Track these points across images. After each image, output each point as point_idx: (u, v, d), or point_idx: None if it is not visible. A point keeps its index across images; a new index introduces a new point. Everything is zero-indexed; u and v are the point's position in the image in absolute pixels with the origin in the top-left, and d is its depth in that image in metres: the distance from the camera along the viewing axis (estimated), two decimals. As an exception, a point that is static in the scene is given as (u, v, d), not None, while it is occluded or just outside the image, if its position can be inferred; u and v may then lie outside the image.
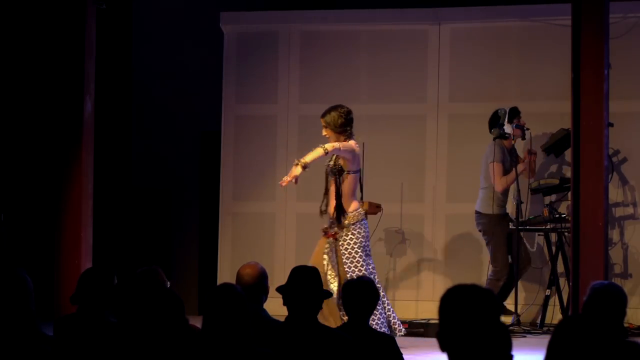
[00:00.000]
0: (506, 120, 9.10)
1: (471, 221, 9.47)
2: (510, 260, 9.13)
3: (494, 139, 9.18)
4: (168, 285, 5.28)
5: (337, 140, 7.58)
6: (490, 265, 9.14)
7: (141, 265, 5.48)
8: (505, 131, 9.11)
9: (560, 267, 9.32)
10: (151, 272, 5.26)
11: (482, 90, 10.00)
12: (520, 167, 9.21)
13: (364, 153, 9.41)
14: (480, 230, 9.25)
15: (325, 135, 7.61)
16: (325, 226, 7.64)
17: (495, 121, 9.19)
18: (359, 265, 7.48)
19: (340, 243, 7.53)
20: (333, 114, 7.61)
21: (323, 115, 7.63)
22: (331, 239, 7.56)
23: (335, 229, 7.56)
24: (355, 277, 7.15)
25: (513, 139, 9.15)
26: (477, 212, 9.24)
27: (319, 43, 10.42)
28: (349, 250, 7.51)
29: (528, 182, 9.42)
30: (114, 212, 10.54)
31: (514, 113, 9.18)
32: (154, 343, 4.37)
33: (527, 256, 9.29)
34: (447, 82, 10.13)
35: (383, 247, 10.07)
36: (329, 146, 7.48)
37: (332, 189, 7.60)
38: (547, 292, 9.27)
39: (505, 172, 9.14)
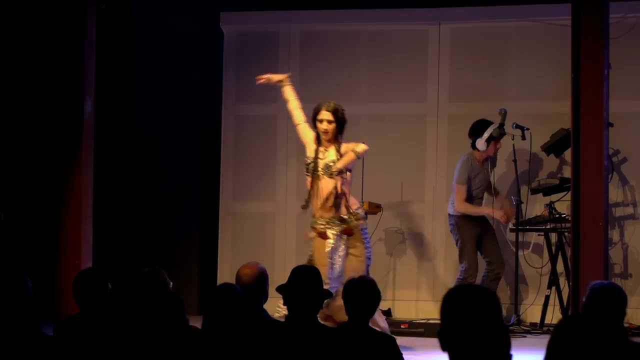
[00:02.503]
0: (485, 138, 9.17)
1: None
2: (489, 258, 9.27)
3: (494, 136, 9.21)
4: (170, 286, 5.28)
5: (335, 138, 7.51)
6: (459, 264, 9.23)
7: (141, 265, 5.49)
8: (477, 144, 9.18)
9: (560, 267, 9.32)
10: (153, 273, 5.26)
11: (482, 90, 10.00)
12: (496, 213, 9.24)
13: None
14: (451, 232, 9.37)
15: (326, 130, 7.50)
16: (318, 228, 7.55)
17: (481, 127, 9.23)
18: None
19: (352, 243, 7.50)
20: (342, 111, 7.52)
21: (333, 110, 7.48)
22: (344, 235, 7.51)
23: (347, 225, 7.51)
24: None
25: (483, 151, 9.20)
26: (449, 215, 9.35)
27: (319, 43, 10.41)
28: (362, 251, 7.53)
29: (528, 182, 9.42)
30: (114, 212, 10.54)
31: (498, 134, 9.23)
32: (154, 343, 4.37)
33: (499, 258, 9.30)
34: (447, 82, 10.13)
35: (383, 247, 10.07)
36: (360, 149, 7.39)
37: (326, 187, 7.51)
38: (547, 292, 9.28)
39: (471, 188, 9.21)
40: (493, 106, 9.48)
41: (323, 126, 7.47)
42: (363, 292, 4.99)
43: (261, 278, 5.34)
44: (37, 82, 9.92)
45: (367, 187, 9.32)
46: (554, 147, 9.45)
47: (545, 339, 2.84)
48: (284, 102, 10.40)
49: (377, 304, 5.10)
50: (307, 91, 10.35)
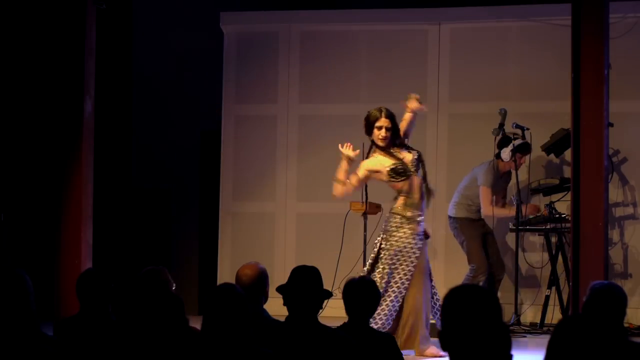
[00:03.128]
0: (510, 148, 9.16)
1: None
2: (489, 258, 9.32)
3: (495, 137, 9.22)
4: (173, 287, 5.27)
5: (394, 142, 7.57)
6: (469, 265, 9.24)
7: (141, 266, 5.48)
8: (502, 156, 9.17)
9: (560, 267, 9.31)
10: (154, 272, 5.25)
11: (482, 90, 10.00)
12: (530, 209, 9.27)
13: (364, 153, 9.41)
14: (455, 235, 9.39)
15: (385, 136, 7.55)
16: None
17: (508, 140, 9.21)
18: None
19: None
20: (394, 115, 7.61)
21: (390, 116, 7.58)
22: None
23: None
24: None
25: (514, 163, 9.18)
26: (450, 217, 9.36)
27: (319, 43, 10.41)
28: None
29: (528, 182, 9.42)
30: (114, 212, 10.53)
31: (522, 149, 9.19)
32: (154, 343, 4.37)
33: (499, 261, 9.32)
34: (447, 82, 10.12)
35: (383, 247, 10.06)
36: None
37: (419, 184, 7.62)
38: (547, 292, 9.27)
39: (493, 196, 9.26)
40: (493, 106, 9.48)
41: (382, 133, 7.57)
42: (363, 292, 4.98)
43: (261, 278, 5.33)
44: (37, 82, 9.92)
45: (368, 187, 9.31)
46: (554, 147, 9.45)
47: (545, 339, 2.84)
48: (284, 102, 10.46)
49: (377, 304, 5.10)
50: (307, 91, 10.37)
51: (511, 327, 8.86)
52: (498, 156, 9.23)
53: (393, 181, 7.56)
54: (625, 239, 9.69)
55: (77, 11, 8.04)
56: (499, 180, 9.30)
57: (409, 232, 7.51)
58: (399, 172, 7.55)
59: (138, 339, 4.43)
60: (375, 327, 7.13)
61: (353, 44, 10.34)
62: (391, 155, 7.58)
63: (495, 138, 9.23)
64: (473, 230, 9.25)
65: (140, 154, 11.14)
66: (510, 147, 9.11)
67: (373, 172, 7.63)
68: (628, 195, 9.75)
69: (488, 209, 9.17)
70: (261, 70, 10.47)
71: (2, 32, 9.88)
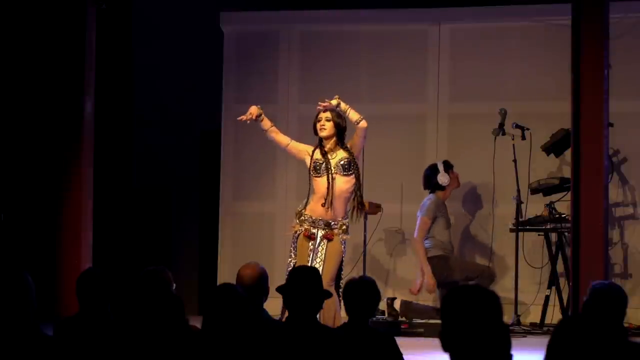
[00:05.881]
0: (442, 171, 9.26)
1: (470, 220, 9.50)
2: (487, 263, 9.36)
3: (495, 137, 9.24)
4: (174, 287, 5.27)
5: (339, 140, 7.50)
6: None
7: (141, 265, 5.48)
8: (440, 182, 9.21)
9: (560, 267, 9.32)
10: (155, 272, 5.25)
11: (482, 90, 10.00)
12: (427, 276, 9.15)
13: (364, 153, 9.41)
14: (441, 279, 9.25)
15: (323, 125, 7.46)
16: (307, 227, 7.46)
17: (433, 171, 9.29)
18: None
19: (340, 245, 7.44)
20: (342, 116, 7.49)
21: (331, 110, 7.46)
22: (325, 240, 7.44)
23: (330, 231, 7.43)
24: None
25: (447, 184, 9.27)
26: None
27: (319, 43, 10.42)
28: (343, 253, 7.49)
29: (528, 182, 9.42)
30: (114, 212, 10.53)
31: (447, 166, 9.30)
32: (154, 343, 4.37)
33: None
34: (447, 82, 10.13)
35: (383, 247, 10.07)
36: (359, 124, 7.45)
37: (339, 187, 7.46)
38: (547, 292, 9.27)
39: (440, 225, 9.22)
40: (493, 106, 9.48)
41: (321, 123, 7.47)
42: (363, 292, 4.98)
43: (262, 278, 5.33)
44: (37, 81, 9.92)
45: (367, 187, 9.32)
46: (554, 147, 9.45)
47: (545, 339, 2.84)
48: (284, 102, 10.46)
49: (377, 304, 5.10)
50: (307, 91, 10.37)
51: (511, 327, 8.86)
52: (435, 189, 9.27)
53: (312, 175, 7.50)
54: (625, 239, 9.70)
55: (77, 11, 8.05)
56: (444, 211, 9.29)
57: (295, 228, 7.49)
58: (317, 170, 7.48)
59: (138, 339, 4.43)
60: None
61: (353, 44, 10.34)
62: (324, 151, 7.48)
63: (425, 179, 9.32)
64: (449, 262, 9.28)
65: (141, 154, 11.14)
66: (441, 169, 9.19)
67: (303, 153, 7.57)
68: (628, 195, 9.75)
69: (419, 241, 9.14)
70: (261, 70, 10.47)
71: (2, 32, 9.88)
